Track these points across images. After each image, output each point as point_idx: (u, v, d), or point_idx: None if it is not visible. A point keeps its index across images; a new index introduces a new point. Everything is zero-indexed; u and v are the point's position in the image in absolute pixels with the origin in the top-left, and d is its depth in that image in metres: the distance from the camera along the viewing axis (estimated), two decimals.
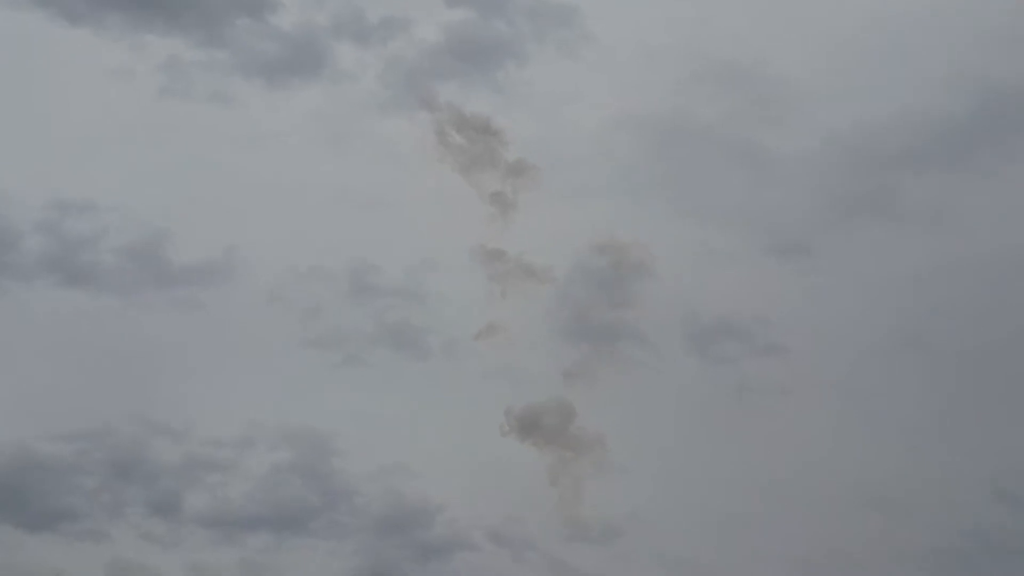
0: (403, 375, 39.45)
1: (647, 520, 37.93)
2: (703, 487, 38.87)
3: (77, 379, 38.58)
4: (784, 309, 40.34)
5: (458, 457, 38.05)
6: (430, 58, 41.82)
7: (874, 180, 42.13)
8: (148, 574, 37.20)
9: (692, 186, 42.54)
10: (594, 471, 37.76)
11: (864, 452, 39.13)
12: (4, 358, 38.34)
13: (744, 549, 38.08)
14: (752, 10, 42.25)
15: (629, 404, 39.17)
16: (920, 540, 37.75)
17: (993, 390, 39.50)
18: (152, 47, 40.93)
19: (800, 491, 38.40)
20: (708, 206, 41.98)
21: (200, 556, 37.45)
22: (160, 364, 39.19)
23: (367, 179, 40.38)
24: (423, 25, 41.48)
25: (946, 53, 41.96)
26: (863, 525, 37.85)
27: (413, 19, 41.49)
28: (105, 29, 40.34)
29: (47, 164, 39.80)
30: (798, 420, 39.47)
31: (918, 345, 40.48)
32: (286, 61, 41.55)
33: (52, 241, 39.33)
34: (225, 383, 38.91)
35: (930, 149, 41.77)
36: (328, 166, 41.05)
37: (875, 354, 40.52)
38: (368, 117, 41.60)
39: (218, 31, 41.00)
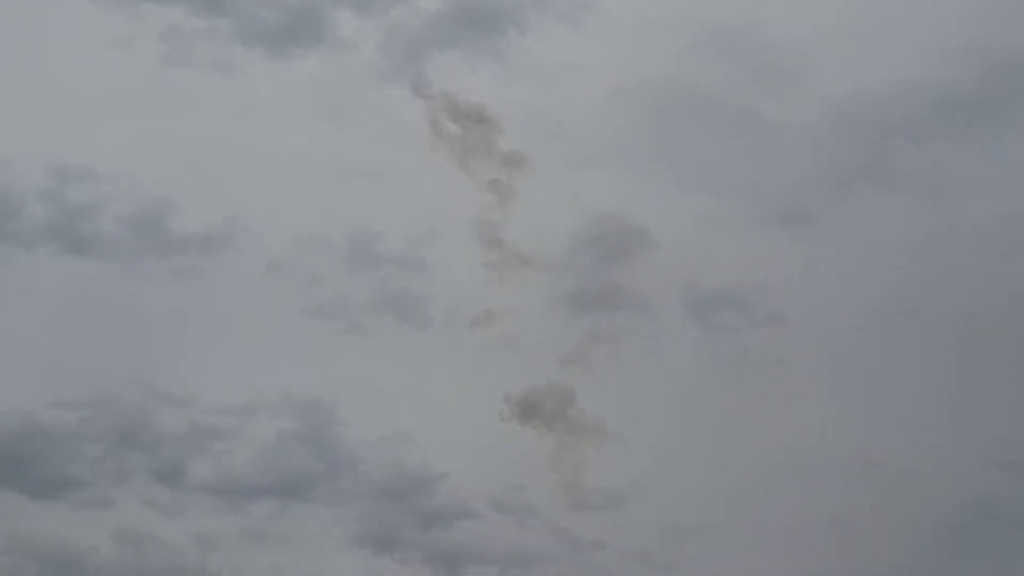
0: (404, 343, 38.17)
1: (648, 489, 37.09)
2: (704, 457, 37.81)
3: (80, 347, 37.51)
4: (784, 278, 39.26)
5: (460, 426, 37.05)
6: (431, 27, 40.62)
7: (874, 149, 40.90)
8: (153, 542, 36.47)
9: (692, 156, 41.11)
10: (595, 452, 36.97)
11: (864, 422, 38.07)
12: (6, 326, 37.25)
13: (744, 518, 37.13)
14: None
15: (630, 375, 38.09)
16: (920, 510, 36.68)
17: (994, 360, 38.26)
18: (152, 15, 39.68)
19: (800, 461, 37.38)
20: (708, 176, 40.60)
21: (204, 523, 36.59)
22: (162, 333, 38.10)
23: (367, 148, 39.02)
24: None
25: (948, 23, 40.58)
26: (864, 495, 36.85)
27: None
28: None
29: (49, 132, 38.61)
30: (798, 390, 38.27)
31: (918, 314, 39.24)
32: (286, 29, 40.37)
33: (54, 209, 38.31)
34: (227, 351, 37.87)
35: (930, 119, 40.52)
36: (328, 135, 39.73)
37: (876, 323, 39.37)
38: (368, 86, 40.39)
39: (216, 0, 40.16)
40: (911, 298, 39.30)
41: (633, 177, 39.88)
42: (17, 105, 38.90)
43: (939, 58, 40.20)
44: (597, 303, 38.88)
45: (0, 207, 37.75)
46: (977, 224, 39.37)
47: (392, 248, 39.24)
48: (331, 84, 40.39)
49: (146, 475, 36.67)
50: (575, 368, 37.67)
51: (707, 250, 39.65)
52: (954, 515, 36.54)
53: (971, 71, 40.29)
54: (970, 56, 40.16)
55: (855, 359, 38.89)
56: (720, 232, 39.72)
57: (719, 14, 40.93)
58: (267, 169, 39.48)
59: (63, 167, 38.23)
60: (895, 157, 40.68)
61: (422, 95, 39.45)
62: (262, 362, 37.74)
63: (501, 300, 38.14)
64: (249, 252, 38.85)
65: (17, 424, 36.21)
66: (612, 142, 40.44)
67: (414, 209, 39.17)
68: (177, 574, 36.51)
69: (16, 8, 39.40)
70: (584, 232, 39.22)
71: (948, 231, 39.62)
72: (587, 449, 37.15)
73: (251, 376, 37.52)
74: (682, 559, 36.69)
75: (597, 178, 39.64)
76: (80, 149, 38.22)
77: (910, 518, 36.52)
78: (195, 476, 36.87)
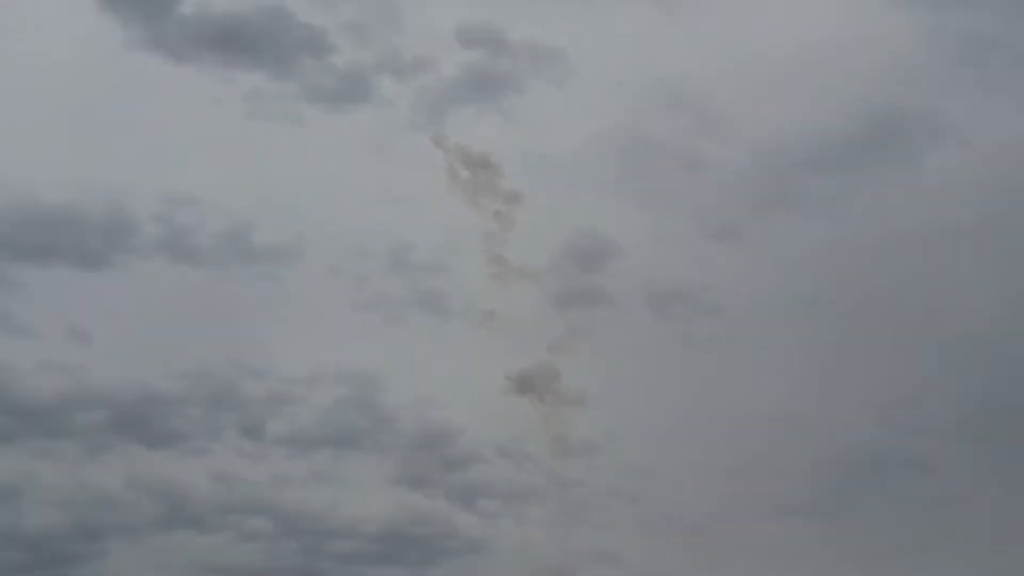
0: (431, 331, 42.74)
1: (617, 440, 41.84)
2: (660, 415, 42.49)
3: (185, 334, 41.55)
4: (720, 280, 43.55)
5: (474, 393, 41.70)
6: (450, 89, 43.97)
7: (788, 181, 44.82)
8: (240, 481, 41.17)
9: (650, 186, 45.35)
10: (577, 414, 41.62)
11: (780, 387, 42.76)
12: (128, 319, 40.94)
13: (684, 458, 42.18)
14: (696, 50, 44.62)
15: (603, 355, 42.87)
16: (820, 452, 41.95)
17: (878, 341, 42.97)
18: (239, 80, 43.03)
19: (732, 416, 42.25)
20: (661, 201, 44.82)
21: (279, 467, 41.47)
22: (248, 322, 42.08)
23: (402, 181, 42.61)
24: (445, 63, 44.01)
25: (841, 84, 44.92)
26: (780, 441, 41.76)
27: (438, 58, 43.88)
28: (203, 66, 42.84)
29: (160, 170, 41.92)
30: (731, 363, 42.89)
31: (820, 306, 43.56)
32: (340, 91, 43.37)
33: (164, 228, 41.72)
34: (297, 336, 41.81)
35: (831, 157, 44.63)
36: (373, 172, 43.05)
37: (788, 312, 43.73)
38: (404, 134, 43.62)
39: (288, 67, 43.50)
40: (815, 293, 43.69)
41: (604, 203, 44.09)
42: (136, 149, 42.04)
43: (836, 111, 45.03)
44: (577, 301, 43.47)
45: (123, 227, 41.57)
46: (867, 239, 43.88)
47: (422, 258, 43.17)
48: (375, 132, 43.42)
49: (235, 431, 41.30)
50: (561, 353, 42.28)
51: (662, 258, 43.87)
52: (846, 455, 41.98)
53: (859, 121, 44.81)
54: (859, 109, 44.91)
55: (773, 339, 43.37)
56: (672, 245, 43.90)
57: (668, 75, 44.46)
58: (326, 197, 42.76)
59: (171, 195, 41.83)
60: (805, 186, 44.74)
61: (441, 148, 42.99)
62: (323, 344, 41.77)
63: (503, 301, 42.59)
64: (313, 260, 42.64)
65: (138, 391, 40.64)
66: (588, 176, 44.42)
67: (438, 228, 42.96)
68: (259, 506, 41.33)
69: (137, 75, 41.92)
70: (566, 246, 43.60)
71: (844, 244, 43.91)
72: (570, 413, 41.78)
73: (314, 355, 41.82)
74: (642, 492, 41.75)
75: (577, 204, 43.82)
76: (184, 182, 41.89)
77: (812, 458, 41.82)
78: (272, 431, 41.42)
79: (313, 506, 41.70)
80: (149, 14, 42.56)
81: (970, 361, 42.84)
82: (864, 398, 42.56)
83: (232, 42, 42.93)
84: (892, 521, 41.50)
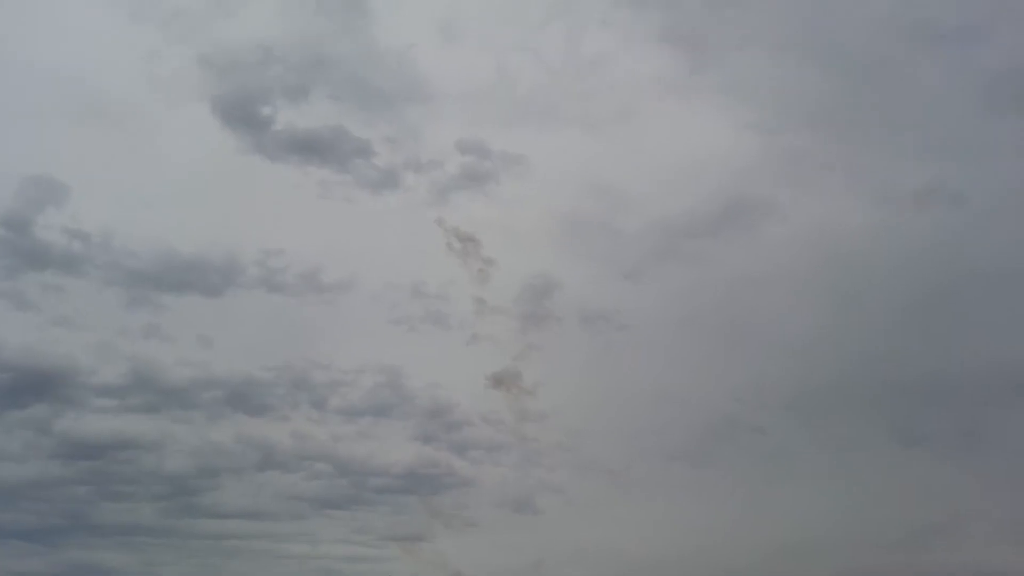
0: (438, 340, 57.80)
1: (560, 411, 57.22)
2: (585, 396, 58.02)
3: (275, 340, 56.40)
4: (628, 305, 58.84)
5: (467, 382, 56.66)
6: (452, 180, 59.23)
7: (672, 242, 60.24)
8: (310, 439, 55.49)
9: (582, 244, 60.59)
10: (532, 399, 55.88)
11: (663, 376, 58.48)
12: (237, 330, 55.55)
13: (604, 424, 57.66)
14: (611, 158, 59.52)
15: (550, 362, 57.47)
16: (689, 420, 57.72)
17: (732, 345, 58.85)
18: (313, 173, 58.40)
19: (633, 395, 58.08)
20: (590, 254, 60.26)
21: (336, 430, 55.90)
22: (316, 333, 57.34)
23: (419, 239, 57.63)
24: (449, 164, 58.99)
25: (705, 179, 61.00)
26: (662, 410, 57.65)
27: (444, 160, 58.80)
28: (289, 164, 57.67)
29: (260, 231, 57.13)
30: (635, 362, 58.37)
31: (692, 322, 60.13)
32: (380, 181, 58.27)
33: (261, 270, 57.02)
34: (349, 341, 56.53)
35: (699, 227, 60.44)
36: (401, 235, 57.79)
37: (671, 328, 59.86)
38: (421, 210, 58.58)
39: (346, 165, 58.16)
40: (689, 315, 59.58)
41: (552, 256, 58.85)
42: (243, 218, 56.94)
43: (703, 196, 60.73)
44: (532, 323, 57.54)
45: (234, 269, 56.22)
46: (722, 280, 59.28)
47: (432, 290, 57.89)
48: (402, 209, 58.06)
49: (307, 404, 55.34)
50: (521, 361, 56.60)
51: (590, 292, 58.44)
52: (710, 422, 57.23)
53: (718, 203, 60.65)
54: (718, 196, 60.76)
55: (661, 345, 58.85)
56: (596, 282, 59.00)
57: (592, 173, 60.07)
58: (370, 251, 57.09)
59: (267, 248, 56.61)
60: (682, 246, 60.26)
61: (442, 227, 57.39)
62: (366, 347, 56.21)
63: (484, 327, 57.03)
64: (360, 292, 57.06)
65: (243, 378, 55.19)
66: (542, 238, 59.43)
67: (443, 275, 57.60)
68: (322, 455, 54.75)
69: (245, 170, 56.89)
70: (524, 286, 57.82)
71: (707, 284, 59.35)
72: (527, 398, 56.17)
73: (360, 354, 56.24)
74: (576, 446, 56.46)
75: (533, 256, 58.46)
76: (276, 239, 56.65)
77: (689, 423, 57.13)
78: (332, 405, 55.56)
79: (359, 455, 55.57)
80: (253, 130, 58.60)
81: (789, 359, 58.94)
82: (722, 384, 58.37)
83: (309, 148, 58.13)
84: (740, 465, 57.34)
